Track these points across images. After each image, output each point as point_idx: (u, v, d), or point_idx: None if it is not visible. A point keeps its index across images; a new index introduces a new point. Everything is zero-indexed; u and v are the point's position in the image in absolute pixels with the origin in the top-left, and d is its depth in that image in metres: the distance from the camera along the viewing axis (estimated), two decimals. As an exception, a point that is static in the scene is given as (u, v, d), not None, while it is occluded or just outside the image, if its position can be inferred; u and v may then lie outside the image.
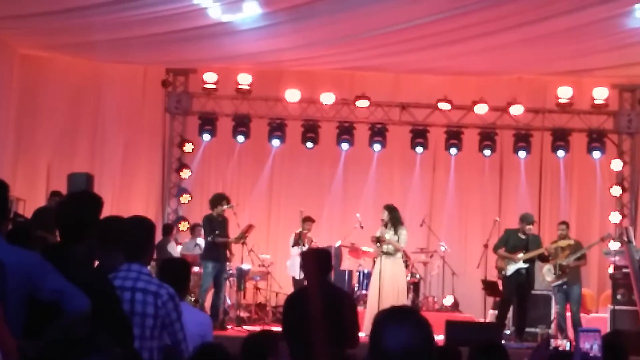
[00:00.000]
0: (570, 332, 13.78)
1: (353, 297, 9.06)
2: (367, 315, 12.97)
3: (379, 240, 14.26)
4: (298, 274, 15.57)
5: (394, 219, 14.08)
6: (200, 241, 16.12)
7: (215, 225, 14.26)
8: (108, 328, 4.44)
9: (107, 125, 18.66)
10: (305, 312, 7.20)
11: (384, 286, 13.91)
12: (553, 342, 12.83)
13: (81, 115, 18.62)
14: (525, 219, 14.18)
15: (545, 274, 14.24)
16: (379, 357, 2.83)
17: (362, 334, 10.03)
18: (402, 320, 2.87)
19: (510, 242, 14.00)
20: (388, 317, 2.91)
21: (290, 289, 15.74)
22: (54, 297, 4.31)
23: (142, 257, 5.47)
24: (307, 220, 16.34)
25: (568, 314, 14.25)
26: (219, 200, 14.49)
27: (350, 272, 17.27)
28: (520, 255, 13.84)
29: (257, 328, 13.86)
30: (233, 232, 14.72)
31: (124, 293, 5.22)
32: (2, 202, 4.50)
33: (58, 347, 3.94)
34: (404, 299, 13.74)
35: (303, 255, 8.29)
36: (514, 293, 13.97)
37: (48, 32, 15.81)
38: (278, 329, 9.46)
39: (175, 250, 16.03)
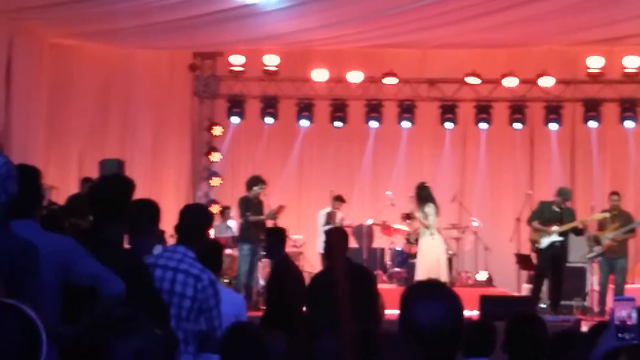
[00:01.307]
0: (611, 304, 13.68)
1: (374, 274, 9.37)
2: None
3: (408, 216, 14.29)
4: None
5: (419, 197, 14.21)
6: (232, 223, 16.18)
7: (250, 206, 14.32)
8: (144, 310, 4.47)
9: (136, 111, 18.74)
10: (334, 290, 7.29)
11: (419, 264, 14.07)
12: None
13: (111, 102, 18.70)
14: (563, 194, 14.07)
15: (586, 246, 14.20)
16: (409, 332, 2.83)
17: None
18: (428, 295, 2.87)
19: (545, 215, 13.91)
20: (414, 293, 2.92)
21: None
22: (89, 281, 4.34)
23: (190, 242, 5.56)
24: (337, 199, 16.32)
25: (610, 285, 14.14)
26: (255, 182, 14.57)
27: (383, 250, 17.27)
28: (555, 227, 13.74)
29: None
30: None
31: (166, 272, 5.31)
32: (35, 188, 4.53)
33: (95, 331, 3.98)
34: (436, 275, 13.70)
35: (329, 233, 8.41)
36: (549, 266, 13.90)
37: (75, 20, 15.87)
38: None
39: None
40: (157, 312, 4.78)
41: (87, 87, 18.28)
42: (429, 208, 14.08)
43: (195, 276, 5.39)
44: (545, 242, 13.77)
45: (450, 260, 16.42)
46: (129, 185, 5.02)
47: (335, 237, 8.19)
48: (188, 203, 6.03)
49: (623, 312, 3.07)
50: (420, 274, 13.95)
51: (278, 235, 8.44)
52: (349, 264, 8.08)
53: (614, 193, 14.64)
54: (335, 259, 7.96)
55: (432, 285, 2.94)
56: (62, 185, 16.51)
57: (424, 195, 14.22)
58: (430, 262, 14.08)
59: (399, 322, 2.88)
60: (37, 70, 16.94)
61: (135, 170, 16.73)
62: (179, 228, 5.66)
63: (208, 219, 5.90)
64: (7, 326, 2.55)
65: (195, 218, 5.71)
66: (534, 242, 14.05)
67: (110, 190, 4.96)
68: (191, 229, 5.62)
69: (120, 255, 4.83)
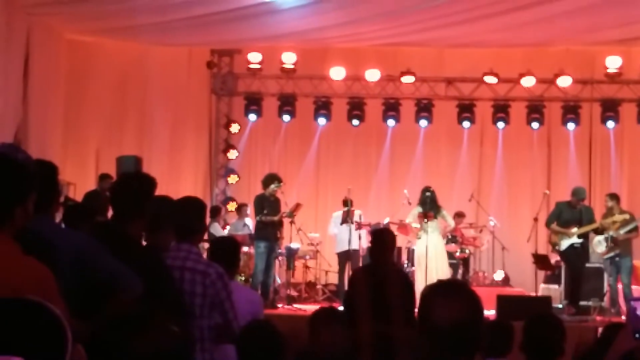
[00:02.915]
0: (623, 304, 13.62)
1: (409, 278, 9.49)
2: None
3: (426, 215, 14.36)
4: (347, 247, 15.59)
5: None
6: (249, 221, 16.17)
7: (266, 204, 14.29)
8: (162, 307, 4.47)
9: (153, 108, 18.76)
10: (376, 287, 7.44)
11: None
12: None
13: (128, 99, 18.75)
14: (577, 194, 14.00)
15: (596, 246, 14.06)
16: (428, 331, 2.81)
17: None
18: (449, 294, 2.85)
19: (564, 216, 13.85)
20: (435, 292, 2.90)
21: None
22: (106, 277, 4.34)
23: (192, 237, 5.50)
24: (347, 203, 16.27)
25: (619, 286, 14.08)
26: (271, 180, 14.54)
27: (399, 249, 17.22)
28: (575, 229, 13.69)
29: (308, 307, 13.95)
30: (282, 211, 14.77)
31: (173, 272, 5.27)
32: (52, 184, 4.53)
33: (112, 328, 3.97)
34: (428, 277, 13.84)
35: (375, 233, 8.47)
36: (568, 267, 13.93)
37: (93, 16, 15.90)
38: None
39: (219, 231, 16.06)
40: (175, 309, 4.77)
41: (105, 84, 18.33)
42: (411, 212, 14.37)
43: (202, 272, 5.36)
44: (565, 244, 13.72)
45: (466, 260, 16.44)
46: (152, 183, 5.03)
47: (384, 237, 8.25)
48: (177, 198, 5.77)
49: None
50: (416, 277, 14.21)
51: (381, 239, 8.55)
52: (393, 266, 8.26)
53: (607, 195, 14.58)
54: (382, 260, 8.03)
55: (452, 284, 2.93)
56: (79, 181, 16.58)
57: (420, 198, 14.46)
58: (418, 264, 14.26)
59: (418, 322, 2.87)
60: (55, 67, 16.99)
61: (152, 167, 16.75)
62: (176, 226, 5.43)
63: (201, 210, 5.72)
64: (33, 324, 2.55)
65: (189, 212, 5.57)
66: (554, 244, 14.00)
67: (134, 188, 4.97)
68: (188, 223, 5.51)
69: (140, 251, 4.83)
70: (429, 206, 14.26)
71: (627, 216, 13.93)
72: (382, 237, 8.19)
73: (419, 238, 14.38)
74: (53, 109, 16.95)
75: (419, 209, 14.34)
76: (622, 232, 13.82)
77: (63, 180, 14.67)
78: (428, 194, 14.33)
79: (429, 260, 14.13)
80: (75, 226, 5.42)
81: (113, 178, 13.31)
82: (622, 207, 14.33)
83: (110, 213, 5.17)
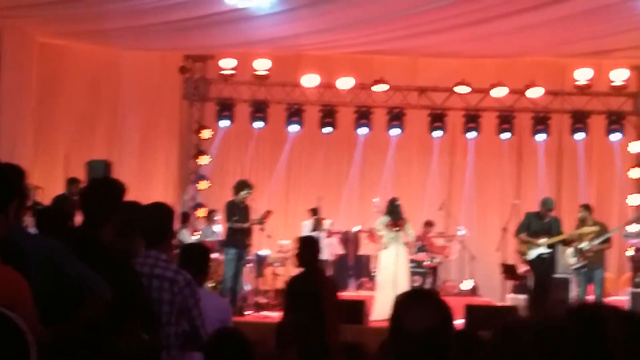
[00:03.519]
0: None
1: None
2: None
3: (395, 224, 14.39)
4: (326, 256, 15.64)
5: None
6: (217, 228, 16.13)
7: (236, 211, 14.28)
8: (132, 314, 4.45)
9: (125, 112, 18.69)
10: (307, 294, 7.69)
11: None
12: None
13: (99, 103, 18.65)
14: (545, 204, 14.14)
15: (568, 257, 14.18)
16: (400, 339, 2.83)
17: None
18: (421, 302, 2.88)
19: (532, 227, 13.97)
20: (408, 299, 2.92)
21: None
22: (76, 283, 4.31)
23: (160, 244, 5.46)
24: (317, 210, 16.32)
25: (588, 297, 14.19)
26: (242, 186, 14.52)
27: (369, 257, 17.28)
28: (543, 240, 13.80)
29: (276, 314, 13.93)
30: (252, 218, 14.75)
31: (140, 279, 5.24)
32: (20, 189, 4.49)
33: (80, 334, 3.95)
34: (388, 290, 13.78)
35: (301, 241, 8.56)
36: (535, 275, 14.02)
37: (66, 20, 15.84)
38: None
39: (188, 238, 16.00)
40: (145, 316, 4.75)
41: (76, 88, 18.24)
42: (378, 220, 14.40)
43: (170, 279, 5.31)
44: (533, 253, 13.82)
45: (435, 269, 16.49)
46: (121, 189, 5.01)
47: (312, 245, 8.43)
48: (144, 204, 5.70)
49: None
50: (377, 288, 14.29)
51: (307, 247, 8.63)
52: (323, 273, 8.55)
53: (581, 206, 14.72)
54: (312, 266, 8.23)
55: (424, 292, 2.96)
56: (48, 185, 16.44)
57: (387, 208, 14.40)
58: (382, 276, 14.22)
59: (390, 329, 2.88)
60: (27, 70, 16.89)
61: (122, 172, 16.63)
62: (144, 232, 5.36)
63: (169, 216, 5.62)
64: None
65: (157, 218, 5.53)
66: (522, 253, 14.10)
67: (104, 194, 4.94)
68: (156, 230, 5.44)
69: (111, 257, 4.80)
70: (398, 216, 14.28)
71: (596, 228, 14.06)
72: (310, 245, 8.34)
73: (386, 248, 14.36)
74: (23, 111, 16.85)
75: (387, 218, 14.33)
76: (595, 243, 13.95)
77: (31, 184, 14.55)
78: (397, 203, 14.34)
79: (393, 270, 14.15)
80: (48, 231, 5.37)
81: (82, 182, 13.24)
82: (592, 218, 14.46)
83: (78, 218, 5.14)
